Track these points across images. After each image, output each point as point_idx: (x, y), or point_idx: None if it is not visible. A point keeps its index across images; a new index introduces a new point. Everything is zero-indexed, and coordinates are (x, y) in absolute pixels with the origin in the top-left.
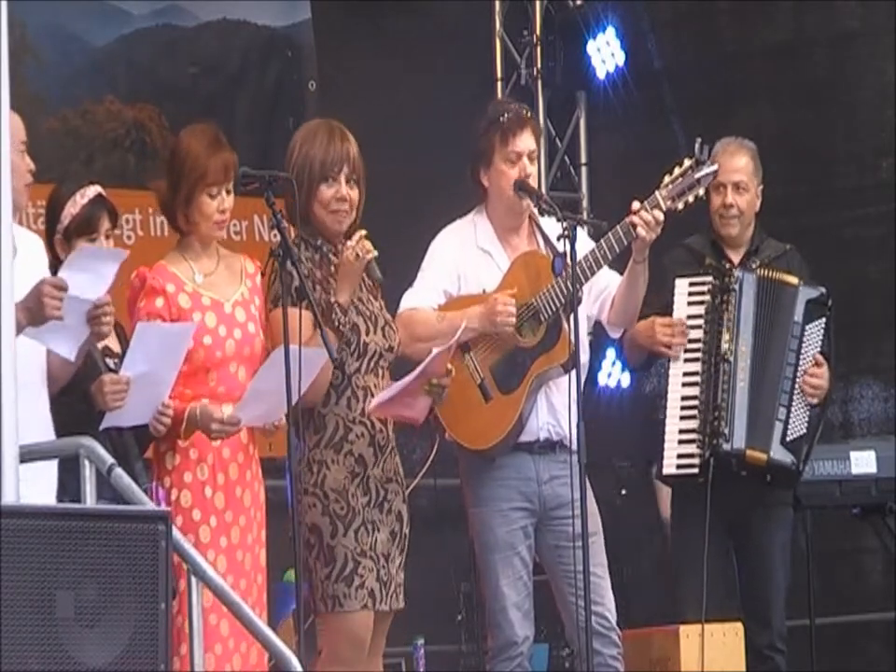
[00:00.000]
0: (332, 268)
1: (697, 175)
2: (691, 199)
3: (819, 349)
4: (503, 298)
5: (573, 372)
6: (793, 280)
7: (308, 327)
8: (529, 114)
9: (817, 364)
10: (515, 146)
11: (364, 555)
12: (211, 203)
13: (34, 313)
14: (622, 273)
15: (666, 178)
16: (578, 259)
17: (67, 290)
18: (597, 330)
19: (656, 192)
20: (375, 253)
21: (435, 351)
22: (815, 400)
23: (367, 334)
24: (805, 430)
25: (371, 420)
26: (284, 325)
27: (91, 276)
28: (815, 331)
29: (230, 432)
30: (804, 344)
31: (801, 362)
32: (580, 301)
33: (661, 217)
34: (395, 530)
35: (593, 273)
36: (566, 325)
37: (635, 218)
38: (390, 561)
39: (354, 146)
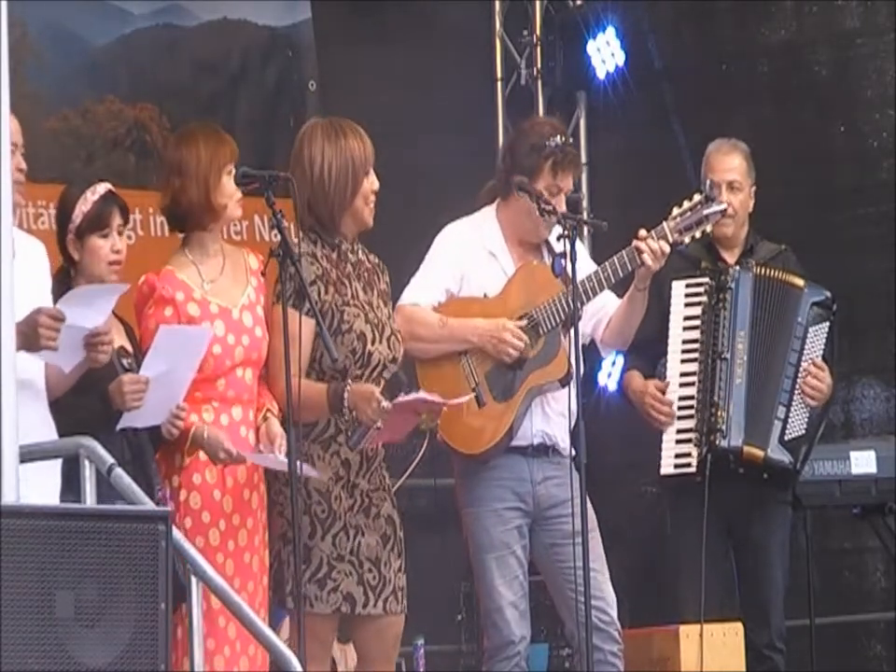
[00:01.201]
0: (350, 267)
1: (706, 212)
2: (697, 234)
3: (821, 352)
4: (516, 331)
5: (572, 384)
6: (799, 282)
7: (308, 333)
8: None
9: (818, 367)
10: (561, 181)
11: (341, 560)
12: (230, 181)
13: (29, 339)
14: (619, 295)
15: (675, 210)
16: (580, 280)
17: (64, 321)
18: None
19: (664, 223)
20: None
21: (425, 396)
22: (815, 403)
23: (372, 343)
24: (804, 431)
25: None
26: (287, 365)
27: (89, 308)
28: (818, 334)
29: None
30: (806, 346)
31: (802, 363)
32: (580, 318)
33: (667, 249)
34: (387, 534)
35: (595, 294)
36: (564, 340)
37: (641, 245)
38: (382, 565)
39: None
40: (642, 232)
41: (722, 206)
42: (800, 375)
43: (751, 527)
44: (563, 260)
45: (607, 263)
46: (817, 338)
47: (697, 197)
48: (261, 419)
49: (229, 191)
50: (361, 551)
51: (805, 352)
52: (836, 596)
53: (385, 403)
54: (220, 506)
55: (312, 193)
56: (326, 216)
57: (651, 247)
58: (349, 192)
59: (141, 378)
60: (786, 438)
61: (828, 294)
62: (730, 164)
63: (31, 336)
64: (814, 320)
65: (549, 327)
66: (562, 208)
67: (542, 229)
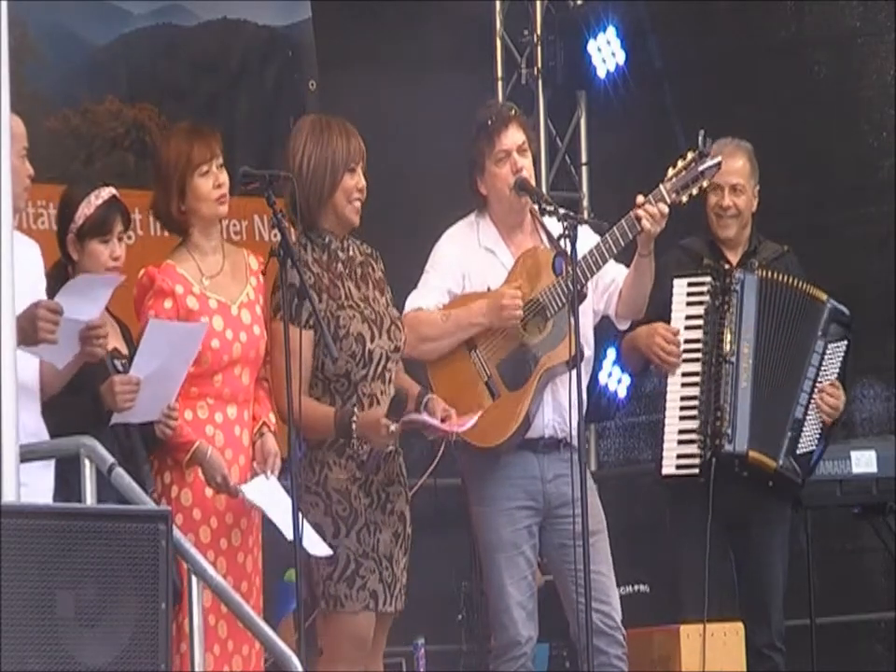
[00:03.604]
0: (341, 266)
1: (701, 168)
2: (694, 191)
3: (838, 369)
4: (510, 291)
5: (574, 370)
6: (822, 295)
7: (308, 345)
8: (514, 111)
9: (834, 387)
10: (502, 144)
11: (366, 556)
12: (205, 182)
13: (27, 334)
14: (628, 266)
15: (670, 171)
16: (583, 255)
17: (62, 314)
18: (598, 329)
19: (660, 185)
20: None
21: (428, 420)
22: (829, 420)
23: (371, 341)
24: (814, 446)
25: None
26: (288, 381)
27: (85, 300)
28: (837, 351)
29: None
30: (825, 361)
31: (820, 378)
32: (583, 299)
33: (665, 210)
34: (398, 531)
35: (598, 269)
36: (572, 321)
37: (639, 212)
38: (394, 562)
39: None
40: (640, 198)
41: (717, 160)
42: (815, 392)
43: (751, 527)
44: (564, 259)
45: (607, 235)
46: (835, 355)
47: (691, 154)
48: (257, 434)
49: (201, 193)
50: (380, 548)
51: (823, 366)
52: (836, 596)
53: (394, 426)
54: (212, 503)
55: (293, 185)
56: (305, 209)
57: (650, 211)
58: (327, 187)
59: (132, 379)
60: (797, 451)
61: (846, 311)
62: (734, 166)
63: (29, 330)
64: (833, 337)
65: (555, 309)
66: (517, 166)
67: (517, 201)
